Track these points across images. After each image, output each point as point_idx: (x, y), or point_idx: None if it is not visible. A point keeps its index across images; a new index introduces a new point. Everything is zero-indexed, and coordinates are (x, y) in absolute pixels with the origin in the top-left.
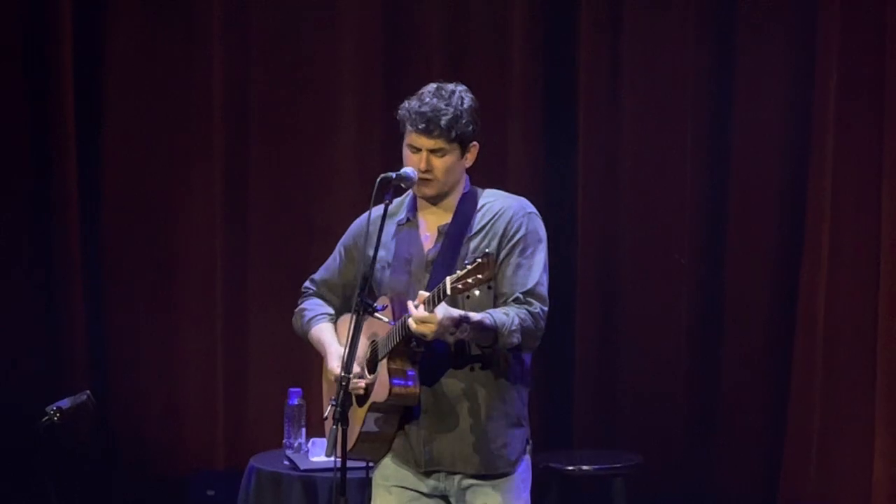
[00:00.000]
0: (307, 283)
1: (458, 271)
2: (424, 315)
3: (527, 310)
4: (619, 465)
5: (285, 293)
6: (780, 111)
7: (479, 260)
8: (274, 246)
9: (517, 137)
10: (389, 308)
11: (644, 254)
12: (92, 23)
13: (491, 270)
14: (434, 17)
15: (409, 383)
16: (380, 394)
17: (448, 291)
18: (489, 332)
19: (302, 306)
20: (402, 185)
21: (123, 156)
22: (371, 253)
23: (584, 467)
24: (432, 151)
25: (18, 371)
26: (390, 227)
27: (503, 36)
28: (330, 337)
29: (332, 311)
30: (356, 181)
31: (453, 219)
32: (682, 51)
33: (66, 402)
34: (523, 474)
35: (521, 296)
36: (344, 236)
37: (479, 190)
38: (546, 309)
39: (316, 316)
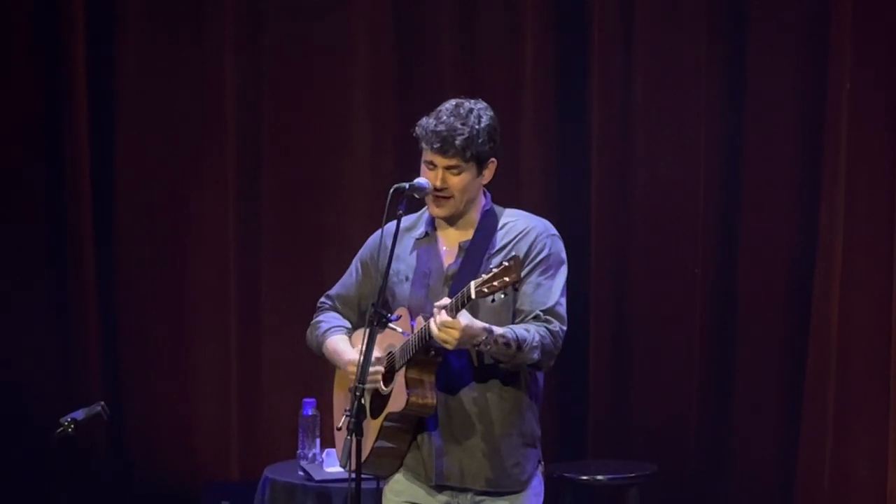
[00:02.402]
0: (323, 299)
1: (483, 275)
2: (448, 320)
3: (546, 328)
4: (633, 475)
5: (298, 303)
6: (792, 117)
7: (506, 263)
8: (287, 257)
9: (530, 145)
10: (406, 318)
11: (657, 263)
12: (105, 33)
13: (516, 274)
14: (446, 26)
15: (427, 394)
16: (396, 403)
17: (473, 295)
18: (510, 347)
19: (317, 319)
20: (416, 196)
21: (136, 168)
22: (392, 265)
23: (599, 477)
24: (448, 169)
25: (33, 382)
26: (408, 242)
27: (516, 44)
28: (345, 346)
29: (348, 324)
30: (369, 192)
31: (475, 235)
32: (694, 58)
33: (80, 414)
34: (536, 488)
35: (540, 314)
36: (360, 251)
37: (500, 208)
38: (565, 329)
39: (331, 328)
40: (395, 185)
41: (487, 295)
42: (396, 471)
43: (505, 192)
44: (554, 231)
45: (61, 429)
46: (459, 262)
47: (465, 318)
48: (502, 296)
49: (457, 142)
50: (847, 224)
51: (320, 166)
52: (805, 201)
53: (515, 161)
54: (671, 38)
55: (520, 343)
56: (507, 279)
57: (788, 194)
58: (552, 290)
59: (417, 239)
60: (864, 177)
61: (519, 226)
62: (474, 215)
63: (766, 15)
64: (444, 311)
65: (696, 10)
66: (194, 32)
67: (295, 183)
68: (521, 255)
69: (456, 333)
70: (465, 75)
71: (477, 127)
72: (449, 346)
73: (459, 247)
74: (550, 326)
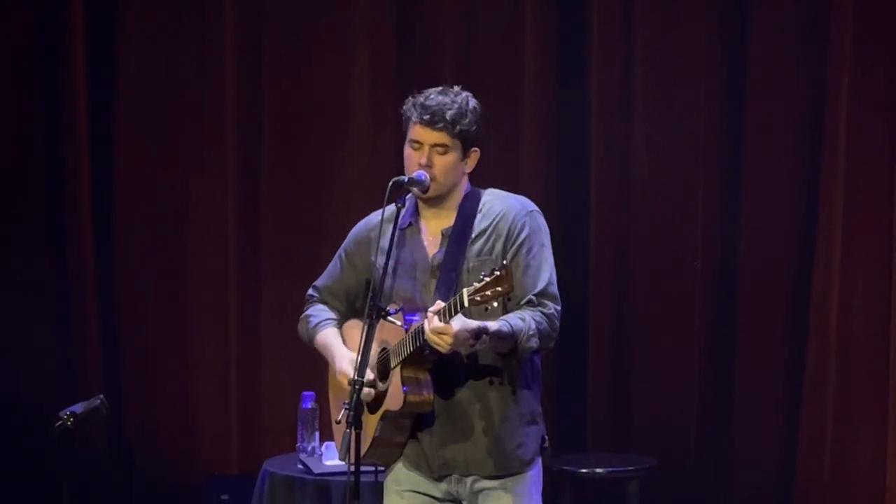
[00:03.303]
0: (310, 291)
1: (476, 283)
2: (440, 326)
3: (541, 312)
4: (632, 468)
5: (297, 298)
6: (792, 111)
7: (497, 272)
8: (286, 252)
9: (529, 141)
10: (401, 313)
11: (657, 257)
12: (105, 30)
13: (509, 283)
14: (447, 22)
15: (423, 391)
16: (393, 402)
17: (466, 304)
18: (507, 340)
19: (307, 312)
20: (414, 189)
21: (136, 163)
22: (378, 258)
23: (598, 470)
24: (434, 146)
25: (33, 376)
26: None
27: (515, 39)
28: (336, 341)
29: (336, 316)
30: (368, 186)
31: (455, 222)
32: (694, 52)
33: (79, 407)
34: (535, 476)
35: (533, 298)
36: (345, 242)
37: (481, 191)
38: (559, 308)
39: (321, 321)
40: (394, 179)
41: (480, 304)
42: (396, 460)
43: (505, 187)
44: (532, 206)
45: (60, 422)
46: (443, 251)
47: (458, 322)
48: (495, 304)
49: (447, 115)
50: (846, 222)
51: (320, 161)
52: (805, 195)
53: (515, 155)
54: (671, 31)
55: (516, 334)
56: (499, 289)
57: (788, 188)
58: (540, 269)
59: (401, 229)
60: (864, 170)
61: (496, 208)
62: (455, 201)
63: (766, 9)
64: (435, 317)
65: (697, 4)
66: (195, 28)
67: (295, 178)
68: (503, 238)
69: (449, 339)
70: (465, 70)
71: (465, 107)
72: (443, 350)
73: (442, 234)
74: (545, 310)
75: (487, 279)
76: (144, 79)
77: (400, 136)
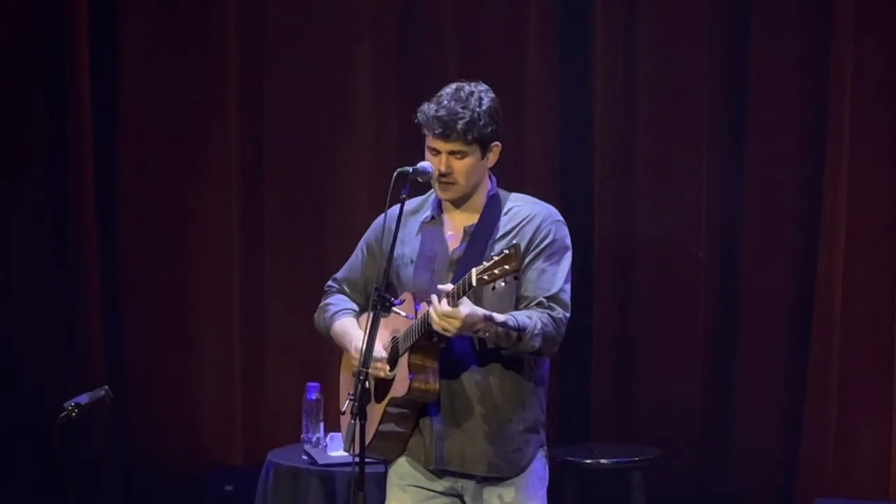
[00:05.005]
0: (330, 283)
1: (484, 263)
2: (448, 310)
3: (549, 314)
4: (636, 459)
5: (301, 289)
6: (796, 99)
7: (506, 251)
8: (290, 243)
9: (532, 127)
10: (409, 302)
11: (661, 248)
12: (107, 25)
13: (517, 262)
14: (449, 11)
15: (429, 379)
16: (399, 388)
17: (474, 283)
18: (511, 334)
19: (325, 302)
20: (419, 180)
21: (140, 157)
22: (395, 250)
23: (602, 461)
24: (451, 154)
25: (36, 368)
26: (414, 225)
27: (518, 24)
28: (353, 330)
29: (355, 307)
30: (372, 179)
31: (479, 220)
32: (696, 39)
33: (84, 398)
34: (540, 472)
35: (544, 300)
36: (366, 233)
37: (506, 193)
38: (568, 315)
39: (339, 311)
40: (398, 169)
41: (488, 282)
42: (401, 454)
43: (508, 175)
44: (559, 217)
45: (65, 413)
46: (464, 246)
47: (466, 306)
48: (503, 283)
49: (458, 126)
50: (850, 211)
51: (323, 153)
52: (808, 183)
53: (519, 143)
54: (673, 22)
55: (521, 330)
56: (507, 267)
57: (792, 174)
58: (556, 276)
59: (423, 222)
60: (868, 163)
61: (524, 211)
62: (480, 199)
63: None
64: (444, 300)
65: None
66: (196, 26)
67: (297, 169)
68: (526, 240)
69: (457, 323)
70: (468, 61)
71: (478, 110)
72: (449, 335)
73: (464, 231)
74: (553, 313)
75: (496, 258)
76: (147, 71)
77: (403, 131)
